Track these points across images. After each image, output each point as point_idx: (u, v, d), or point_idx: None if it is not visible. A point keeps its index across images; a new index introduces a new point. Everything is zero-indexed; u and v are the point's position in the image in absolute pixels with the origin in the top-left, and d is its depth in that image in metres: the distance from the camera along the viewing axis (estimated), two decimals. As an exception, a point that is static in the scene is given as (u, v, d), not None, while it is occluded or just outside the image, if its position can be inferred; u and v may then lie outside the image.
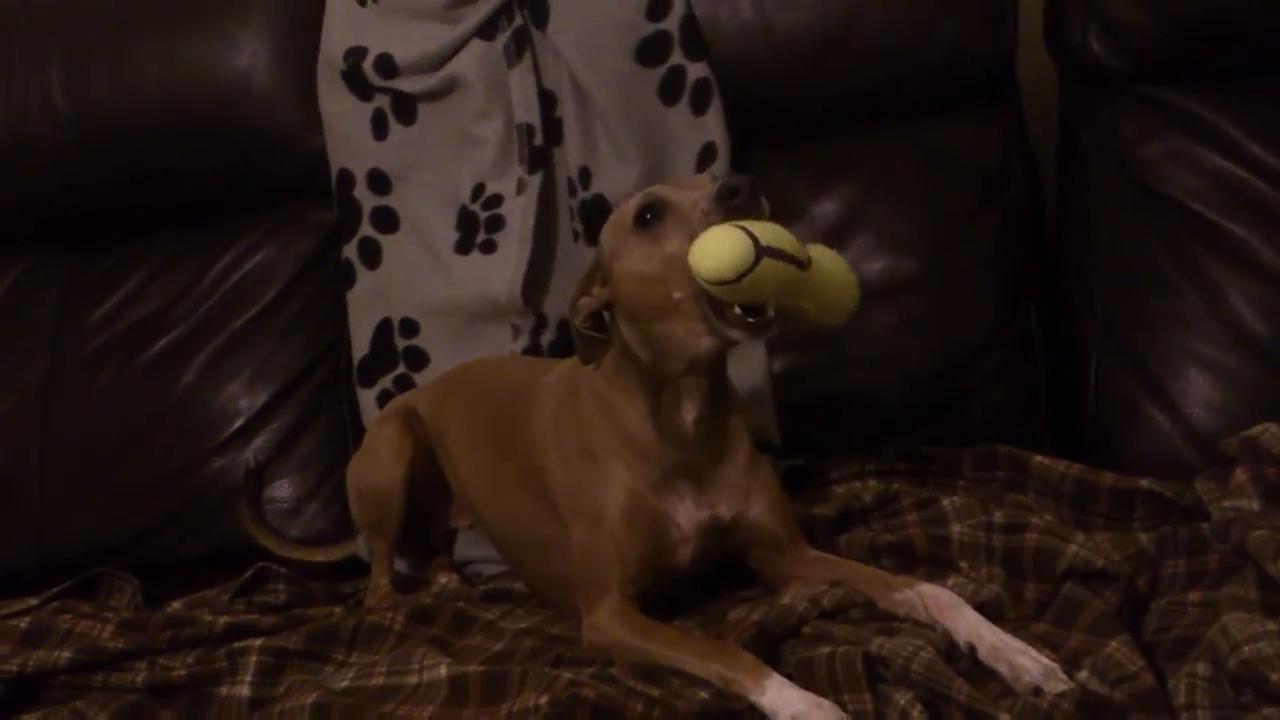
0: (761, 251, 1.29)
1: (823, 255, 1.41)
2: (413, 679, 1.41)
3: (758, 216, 1.35)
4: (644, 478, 1.50)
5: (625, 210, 1.45)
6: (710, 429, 1.50)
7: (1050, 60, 2.05)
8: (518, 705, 1.27)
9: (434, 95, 2.05)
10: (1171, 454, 1.83)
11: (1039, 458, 1.72)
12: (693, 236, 1.34)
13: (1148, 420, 1.86)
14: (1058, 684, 1.23)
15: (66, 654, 1.55)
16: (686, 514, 1.51)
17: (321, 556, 2.03)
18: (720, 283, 1.30)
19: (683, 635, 1.41)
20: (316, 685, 1.43)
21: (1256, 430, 1.62)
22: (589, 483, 1.53)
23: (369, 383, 2.08)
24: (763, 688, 1.26)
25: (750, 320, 1.35)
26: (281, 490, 2.13)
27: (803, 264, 1.33)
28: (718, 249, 1.29)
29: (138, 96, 2.19)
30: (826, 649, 1.30)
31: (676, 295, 1.39)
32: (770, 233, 1.31)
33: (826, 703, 1.23)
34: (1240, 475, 1.56)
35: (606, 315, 1.49)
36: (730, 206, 1.34)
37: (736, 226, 1.31)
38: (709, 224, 1.34)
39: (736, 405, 1.57)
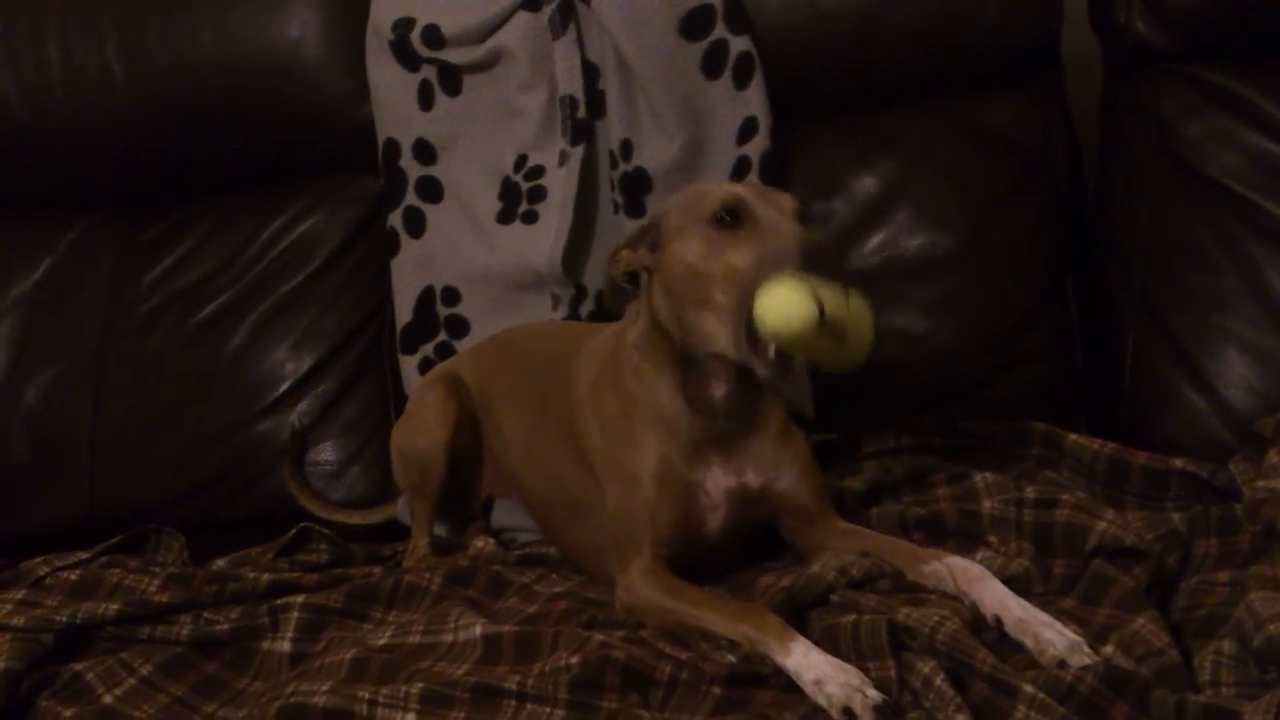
0: (824, 324, 1.31)
1: (860, 320, 1.40)
2: (449, 637, 1.44)
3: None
4: (674, 446, 1.53)
5: (705, 197, 1.46)
6: (739, 402, 1.52)
7: (1094, 38, 2.04)
8: (550, 664, 1.30)
9: (479, 66, 2.07)
10: (1207, 435, 1.83)
11: (1073, 436, 1.73)
12: (761, 256, 1.36)
13: (1184, 400, 1.86)
14: (1082, 658, 1.24)
15: (115, 606, 1.59)
16: (715, 482, 1.54)
17: (361, 519, 2.07)
18: (775, 337, 1.33)
19: (712, 596, 1.44)
20: (355, 641, 1.46)
21: (1293, 411, 1.63)
22: (624, 446, 1.55)
23: (411, 349, 2.10)
24: (788, 650, 1.29)
25: (778, 364, 1.38)
26: (325, 454, 2.17)
27: (844, 337, 1.35)
28: (789, 311, 1.31)
29: (191, 64, 2.22)
30: (852, 617, 1.32)
31: (719, 298, 1.41)
32: (835, 303, 1.32)
33: (850, 667, 1.25)
34: (1274, 456, 1.56)
35: (645, 277, 1.52)
36: (813, 266, 1.34)
37: (811, 296, 1.31)
38: (784, 270, 1.34)
39: None
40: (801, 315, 1.31)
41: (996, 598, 1.34)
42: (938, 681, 1.19)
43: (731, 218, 1.42)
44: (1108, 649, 1.26)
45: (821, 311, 1.31)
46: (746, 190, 1.45)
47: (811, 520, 1.56)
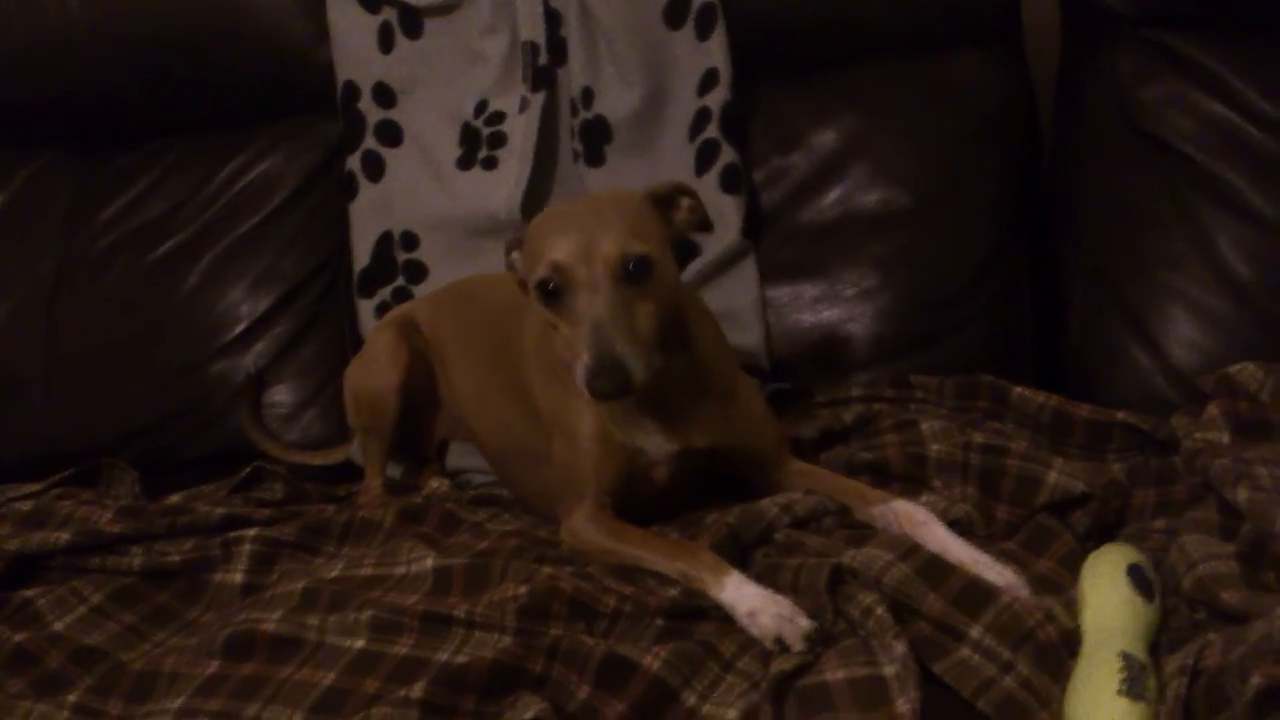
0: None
1: None
2: (400, 570, 1.45)
3: None
4: (609, 414, 1.52)
5: (538, 257, 1.41)
6: (664, 374, 1.44)
7: (1054, 1, 2.06)
8: (498, 594, 1.32)
9: (440, 9, 2.07)
10: (1152, 392, 1.85)
11: (1019, 389, 1.75)
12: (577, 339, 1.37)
13: (1130, 358, 1.88)
14: (1021, 594, 1.26)
15: (66, 536, 1.60)
16: (657, 445, 1.53)
17: (319, 460, 2.08)
18: None
19: (651, 536, 1.46)
20: (307, 573, 1.48)
21: (1234, 368, 1.64)
22: (565, 402, 1.55)
23: (368, 293, 2.11)
24: (722, 584, 1.31)
25: None
26: (280, 395, 2.17)
27: None
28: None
29: (152, 3, 2.21)
30: (796, 560, 1.34)
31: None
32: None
33: (781, 598, 1.28)
34: (1213, 409, 1.58)
35: None
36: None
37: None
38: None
39: (708, 341, 1.57)
40: None
41: (939, 540, 1.37)
42: (879, 611, 1.21)
43: (555, 293, 1.40)
44: (1056, 609, 1.24)
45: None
46: (566, 255, 1.39)
47: (765, 467, 1.58)
